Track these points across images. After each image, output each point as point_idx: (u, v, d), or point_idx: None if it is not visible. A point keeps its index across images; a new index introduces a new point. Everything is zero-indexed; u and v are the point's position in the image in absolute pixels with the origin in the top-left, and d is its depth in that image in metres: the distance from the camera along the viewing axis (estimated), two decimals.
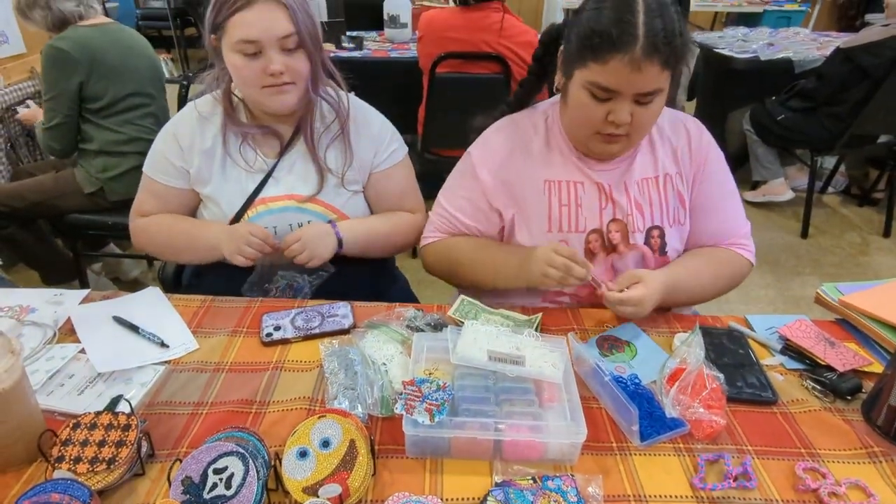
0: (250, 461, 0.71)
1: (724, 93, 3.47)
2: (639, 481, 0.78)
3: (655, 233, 1.11)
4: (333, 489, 0.71)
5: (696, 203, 1.14)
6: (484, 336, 0.91)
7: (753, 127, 3.13)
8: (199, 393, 0.91)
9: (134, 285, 2.54)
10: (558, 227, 1.10)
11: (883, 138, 2.98)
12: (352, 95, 1.28)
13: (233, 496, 0.69)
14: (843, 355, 0.98)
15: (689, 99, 3.65)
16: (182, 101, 2.27)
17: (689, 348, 0.93)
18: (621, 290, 1.01)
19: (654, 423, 0.85)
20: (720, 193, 1.15)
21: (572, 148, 1.11)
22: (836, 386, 0.93)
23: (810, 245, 3.00)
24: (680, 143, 1.13)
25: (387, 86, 2.49)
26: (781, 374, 0.97)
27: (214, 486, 0.70)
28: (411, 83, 2.60)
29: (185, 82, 2.32)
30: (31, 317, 1.06)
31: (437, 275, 1.24)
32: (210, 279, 1.29)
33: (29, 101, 2.45)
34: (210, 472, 0.71)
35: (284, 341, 1.02)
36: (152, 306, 1.10)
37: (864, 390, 0.93)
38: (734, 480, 0.77)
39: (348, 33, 3.26)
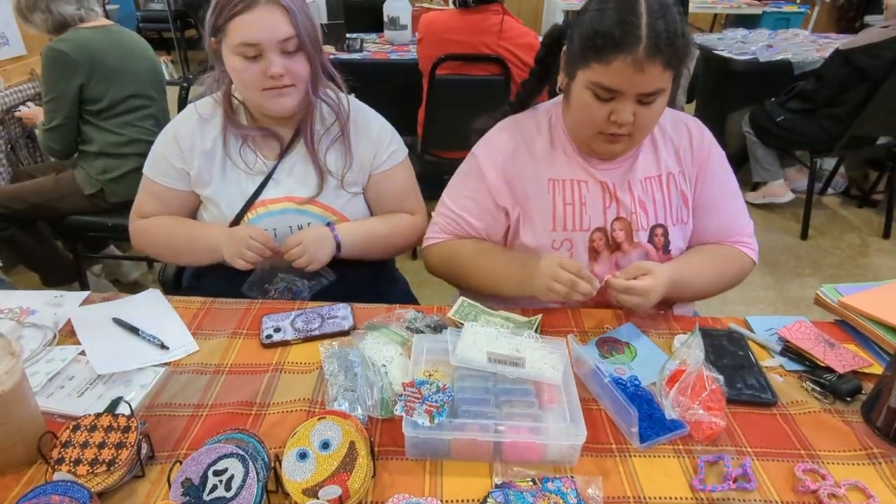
0: (250, 463, 0.71)
1: (723, 94, 3.47)
2: (638, 483, 0.78)
3: (659, 231, 1.12)
4: (333, 491, 0.71)
5: (699, 202, 1.15)
6: (484, 338, 0.91)
7: (753, 128, 3.13)
8: (199, 395, 0.91)
9: (134, 287, 2.54)
10: (563, 226, 1.11)
11: (882, 140, 2.98)
12: (352, 97, 1.28)
13: (233, 498, 0.69)
14: (843, 357, 0.98)
15: (689, 101, 3.65)
16: (182, 102, 2.28)
17: (689, 350, 0.93)
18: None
19: (654, 424, 0.85)
20: (722, 192, 1.16)
21: (575, 147, 1.11)
22: (835, 387, 0.93)
23: (810, 246, 3.00)
24: (682, 142, 1.14)
25: (387, 88, 2.49)
26: (781, 376, 0.97)
27: (214, 487, 0.70)
28: (411, 85, 2.60)
29: (185, 84, 2.32)
30: (31, 319, 1.06)
31: (439, 276, 1.25)
32: (210, 281, 1.29)
33: (29, 103, 2.45)
34: (210, 473, 0.71)
35: (284, 343, 1.02)
36: (152, 308, 1.11)
37: (863, 392, 0.93)
38: (734, 482, 0.77)
39: (348, 35, 3.27)
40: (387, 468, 0.79)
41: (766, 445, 0.84)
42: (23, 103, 2.45)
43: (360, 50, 3.19)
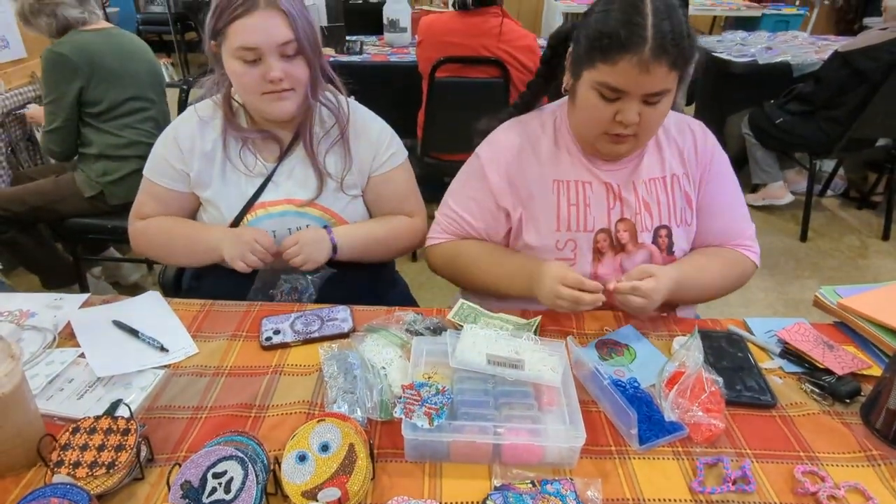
0: (249, 465, 0.71)
1: (722, 96, 3.48)
2: (638, 485, 0.78)
3: (663, 232, 1.12)
4: (332, 493, 0.71)
5: (702, 204, 1.15)
6: (483, 340, 0.91)
7: (752, 130, 3.13)
8: (199, 397, 0.91)
9: (134, 289, 2.54)
10: (567, 227, 1.11)
11: (881, 142, 2.99)
12: (351, 100, 1.28)
13: (232, 500, 0.69)
14: (842, 358, 0.98)
15: (689, 104, 3.66)
16: (182, 105, 2.28)
17: (688, 352, 0.93)
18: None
19: (653, 426, 0.85)
20: (725, 195, 1.16)
21: (580, 148, 1.12)
22: (834, 389, 0.93)
23: (809, 248, 3.01)
24: (686, 144, 1.14)
25: (386, 90, 2.50)
26: (780, 378, 0.97)
27: (214, 490, 0.70)
28: (411, 87, 2.61)
29: (185, 86, 2.32)
30: (31, 321, 1.06)
31: (442, 276, 1.25)
32: (210, 282, 1.29)
33: (30, 105, 2.46)
34: (209, 476, 0.71)
35: (284, 345, 1.02)
36: (152, 310, 1.11)
37: (862, 393, 0.93)
38: (733, 484, 0.77)
39: (348, 38, 3.27)
40: (386, 470, 0.79)
41: (765, 447, 0.84)
42: (23, 106, 2.46)
43: (360, 52, 3.20)
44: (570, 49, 1.05)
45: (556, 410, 0.84)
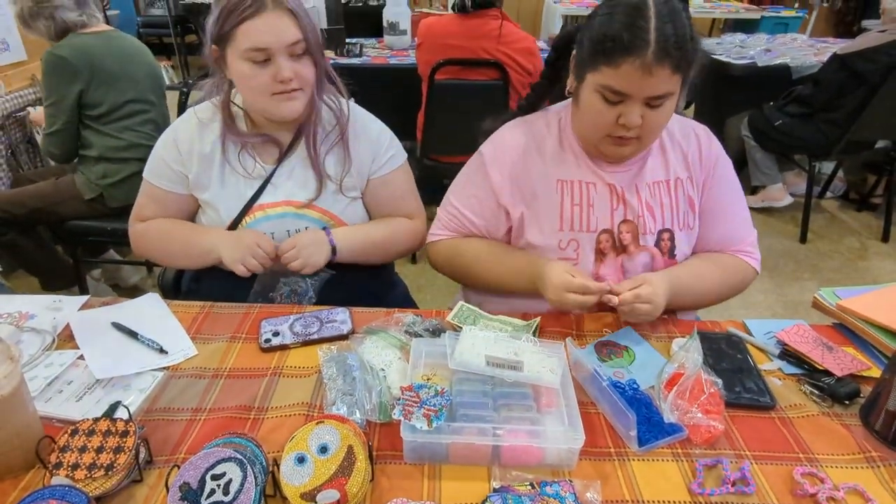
0: (248, 467, 0.71)
1: (721, 99, 3.48)
2: (637, 487, 0.78)
3: (666, 235, 1.12)
4: (331, 495, 0.71)
5: (705, 208, 1.15)
6: (482, 341, 0.91)
7: (751, 133, 3.14)
8: (198, 399, 0.91)
9: (133, 291, 2.54)
10: (570, 226, 1.11)
11: (880, 143, 3.00)
12: (351, 102, 1.28)
13: (231, 502, 0.69)
14: (841, 360, 0.98)
15: (687, 106, 3.66)
16: (182, 107, 2.28)
17: (688, 353, 0.93)
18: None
19: (653, 428, 0.85)
20: (728, 200, 1.17)
21: (585, 149, 1.12)
22: (834, 390, 0.93)
23: (809, 250, 3.01)
24: (690, 148, 1.14)
25: (386, 92, 2.51)
26: (779, 379, 0.97)
27: (212, 492, 0.70)
28: (410, 89, 2.61)
29: (185, 89, 2.33)
30: (31, 323, 1.06)
31: (442, 272, 1.25)
32: (209, 284, 1.29)
33: (30, 108, 2.46)
34: (208, 478, 0.71)
35: (283, 347, 1.02)
36: (151, 312, 1.11)
37: (861, 395, 0.93)
38: (732, 485, 0.77)
39: (348, 40, 3.28)
40: (385, 472, 0.79)
41: (764, 449, 0.84)
42: (23, 109, 2.47)
43: (360, 55, 3.20)
44: (573, 52, 1.06)
45: (556, 412, 0.84)
